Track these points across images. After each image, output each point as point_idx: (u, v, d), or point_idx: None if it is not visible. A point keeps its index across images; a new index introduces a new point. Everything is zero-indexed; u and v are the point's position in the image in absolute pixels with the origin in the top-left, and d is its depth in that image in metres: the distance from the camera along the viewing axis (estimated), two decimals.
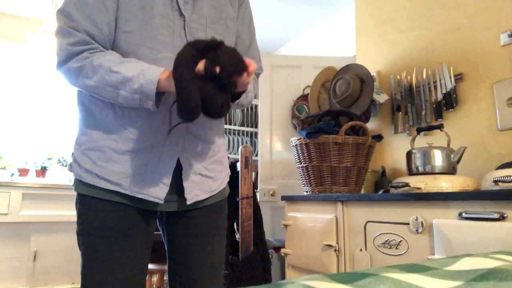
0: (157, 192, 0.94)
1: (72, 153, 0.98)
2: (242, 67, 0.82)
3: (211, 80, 0.80)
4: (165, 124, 0.95)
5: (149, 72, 0.86)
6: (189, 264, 1.02)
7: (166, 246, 1.06)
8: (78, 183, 0.95)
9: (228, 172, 1.15)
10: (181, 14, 0.96)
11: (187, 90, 0.78)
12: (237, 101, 0.99)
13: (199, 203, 1.03)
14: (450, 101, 2.01)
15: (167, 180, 0.96)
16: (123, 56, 0.91)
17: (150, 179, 0.94)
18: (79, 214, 0.94)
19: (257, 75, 1.20)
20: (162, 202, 0.95)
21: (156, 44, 0.93)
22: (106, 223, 0.91)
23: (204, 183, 1.03)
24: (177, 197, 1.00)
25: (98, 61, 0.87)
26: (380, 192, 1.85)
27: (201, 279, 1.02)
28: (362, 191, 2.09)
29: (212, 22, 1.02)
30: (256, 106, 4.34)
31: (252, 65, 0.84)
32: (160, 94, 0.88)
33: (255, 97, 4.55)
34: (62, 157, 3.57)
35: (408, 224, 1.40)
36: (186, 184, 0.98)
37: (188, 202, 0.99)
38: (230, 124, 4.27)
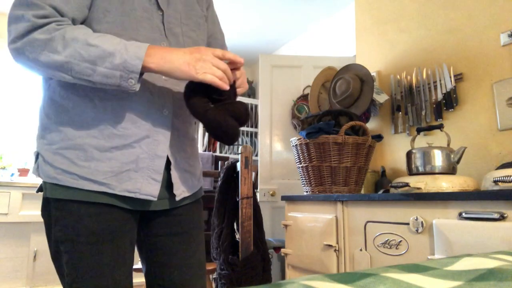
0: (150, 189, 0.89)
1: (38, 154, 0.89)
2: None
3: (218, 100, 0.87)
4: (150, 116, 0.90)
5: (133, 47, 0.79)
6: (175, 264, 0.98)
7: (144, 248, 1.01)
8: (53, 187, 0.85)
9: (201, 167, 1.14)
10: (159, 8, 0.95)
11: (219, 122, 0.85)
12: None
13: (184, 200, 1.00)
14: (450, 101, 2.01)
15: (159, 176, 0.91)
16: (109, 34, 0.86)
17: (139, 176, 0.88)
18: (57, 220, 0.85)
19: None
20: (156, 199, 0.91)
21: (140, 36, 0.89)
22: (92, 228, 0.84)
23: (188, 179, 1.01)
24: (167, 194, 0.96)
25: (71, 34, 0.77)
26: (380, 192, 1.85)
27: (188, 279, 0.98)
28: (362, 191, 2.09)
29: (185, 19, 1.01)
30: (256, 106, 4.34)
31: (234, 56, 0.88)
32: (141, 74, 0.81)
33: (255, 97, 4.55)
34: None
35: (408, 224, 1.40)
36: (174, 180, 0.95)
37: (177, 198, 0.96)
38: None
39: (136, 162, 0.88)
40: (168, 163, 0.95)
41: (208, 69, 0.82)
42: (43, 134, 0.89)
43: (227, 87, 0.84)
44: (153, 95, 0.91)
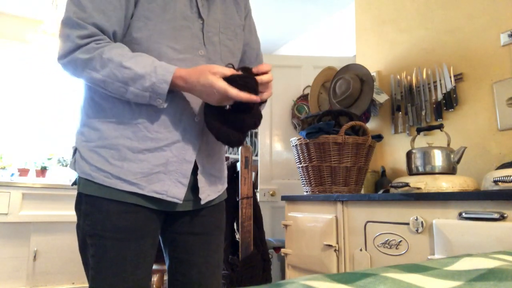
0: (176, 192, 0.94)
1: (76, 150, 0.94)
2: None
3: (236, 107, 0.92)
4: (182, 122, 0.95)
5: (162, 70, 0.85)
6: (195, 262, 1.02)
7: (167, 245, 1.05)
8: (87, 182, 0.90)
9: (226, 171, 1.17)
10: (200, 17, 0.98)
11: (222, 131, 0.92)
12: (263, 105, 1.09)
13: (209, 202, 1.04)
14: (450, 101, 2.01)
15: (186, 180, 0.95)
16: (144, 53, 0.90)
17: (168, 179, 0.93)
18: (87, 215, 0.90)
19: None
20: (181, 202, 0.95)
21: (178, 44, 0.93)
22: (118, 225, 0.89)
23: (214, 183, 1.05)
24: (192, 196, 0.99)
25: (108, 54, 0.85)
26: (380, 192, 1.85)
27: (206, 278, 1.02)
28: (362, 191, 2.09)
29: (224, 28, 1.04)
30: None
31: (265, 66, 0.92)
32: (169, 92, 0.88)
33: None
34: (62, 157, 3.57)
35: (408, 224, 1.40)
36: (201, 184, 0.99)
37: (202, 202, 1.00)
38: None
39: (165, 165, 0.92)
40: (195, 167, 0.98)
41: (219, 102, 0.89)
42: (82, 131, 0.94)
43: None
44: (186, 103, 0.95)
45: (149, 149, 0.91)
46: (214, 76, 0.85)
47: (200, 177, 0.99)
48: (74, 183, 0.95)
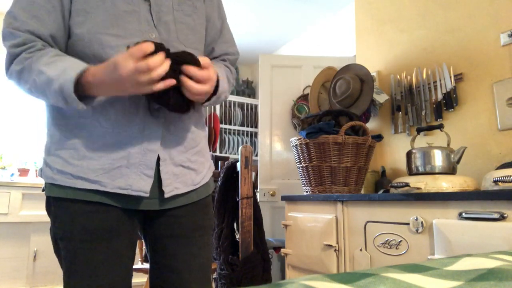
0: (141, 185, 0.88)
1: (43, 158, 0.92)
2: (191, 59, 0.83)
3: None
4: (140, 111, 0.89)
5: (71, 70, 0.79)
6: (174, 267, 0.96)
7: (148, 248, 1.00)
8: (51, 186, 0.88)
9: (210, 164, 1.09)
10: None
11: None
12: (207, 103, 0.97)
13: (181, 200, 0.97)
14: (450, 101, 2.01)
15: (151, 172, 0.89)
16: (87, 47, 0.87)
17: (131, 172, 0.88)
18: (55, 217, 0.88)
19: (234, 60, 1.15)
20: (148, 195, 0.89)
21: (121, 31, 0.88)
22: (86, 226, 0.85)
23: (186, 175, 0.97)
24: (158, 193, 0.93)
25: (35, 63, 0.82)
26: (380, 192, 1.85)
27: (187, 284, 0.96)
28: (362, 191, 2.09)
29: (178, 4, 0.98)
30: (256, 106, 4.34)
31: (204, 59, 0.84)
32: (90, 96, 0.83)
33: (255, 97, 4.54)
34: None
35: (408, 224, 1.40)
36: (164, 176, 0.92)
37: (166, 195, 0.92)
38: (230, 124, 4.26)
39: (127, 158, 0.88)
40: (159, 158, 0.92)
41: (142, 86, 0.78)
42: (47, 137, 0.93)
43: (161, 87, 0.78)
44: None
45: (108, 144, 0.87)
46: (123, 56, 0.75)
47: (164, 168, 0.92)
48: (43, 189, 0.93)
